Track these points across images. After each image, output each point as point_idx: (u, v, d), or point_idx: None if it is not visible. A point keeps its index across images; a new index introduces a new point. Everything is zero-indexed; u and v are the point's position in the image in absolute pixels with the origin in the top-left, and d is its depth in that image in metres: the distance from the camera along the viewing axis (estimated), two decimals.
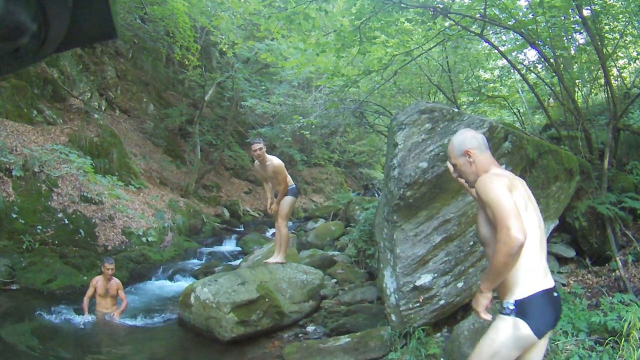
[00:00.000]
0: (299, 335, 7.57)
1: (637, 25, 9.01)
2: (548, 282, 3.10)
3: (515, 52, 10.82)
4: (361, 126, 19.93)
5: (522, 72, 10.06)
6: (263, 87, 19.69)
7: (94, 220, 11.95)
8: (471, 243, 5.90)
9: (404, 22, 9.13)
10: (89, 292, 8.51)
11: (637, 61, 10.98)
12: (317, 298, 8.57)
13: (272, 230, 17.12)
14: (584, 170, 7.51)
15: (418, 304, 5.94)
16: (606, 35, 8.89)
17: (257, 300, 7.37)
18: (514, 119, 14.11)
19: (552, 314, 3.07)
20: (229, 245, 15.79)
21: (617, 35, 9.07)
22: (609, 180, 7.53)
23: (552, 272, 6.70)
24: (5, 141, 11.08)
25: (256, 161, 8.61)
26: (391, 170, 5.91)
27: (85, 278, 9.54)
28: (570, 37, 9.92)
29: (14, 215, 10.42)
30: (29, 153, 11.20)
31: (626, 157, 8.27)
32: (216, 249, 15.03)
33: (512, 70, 11.73)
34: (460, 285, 5.94)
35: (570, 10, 8.23)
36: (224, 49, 18.11)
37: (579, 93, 10.49)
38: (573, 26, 9.02)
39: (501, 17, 8.55)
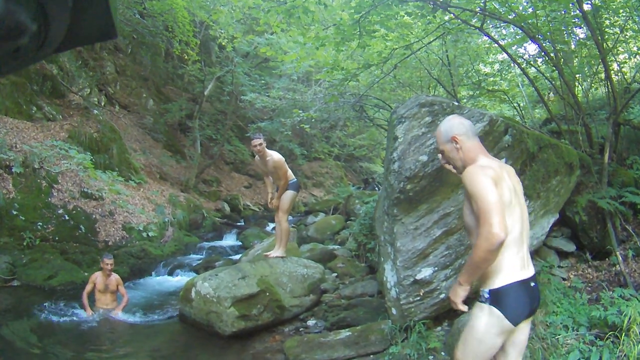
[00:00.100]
0: (300, 330, 7.57)
1: (637, 20, 8.99)
2: (525, 273, 3.20)
3: (515, 46, 10.80)
4: (361, 120, 19.95)
5: (522, 66, 10.05)
6: (263, 81, 19.69)
7: (94, 216, 11.95)
8: None
9: (403, 16, 9.12)
10: (88, 287, 8.50)
11: (637, 56, 10.95)
12: (318, 292, 8.57)
13: (272, 225, 17.14)
14: (584, 165, 7.51)
15: (418, 298, 5.94)
16: (606, 29, 8.87)
17: (257, 295, 7.36)
18: (514, 113, 14.10)
19: (527, 303, 3.17)
20: (230, 240, 15.82)
21: (617, 30, 9.06)
22: (609, 174, 7.53)
23: (552, 266, 6.76)
24: (5, 138, 11.08)
25: (257, 156, 8.61)
26: (391, 164, 5.90)
27: (86, 274, 9.54)
28: (570, 31, 9.91)
29: (15, 212, 10.43)
30: (29, 149, 11.19)
31: (626, 152, 8.27)
32: (216, 243, 15.04)
33: (512, 64, 11.71)
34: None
35: (570, 5, 8.21)
36: (223, 44, 18.12)
37: (579, 87, 10.48)
38: (573, 20, 9.00)
39: (501, 10, 8.53)
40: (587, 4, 8.03)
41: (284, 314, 7.69)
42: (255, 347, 6.97)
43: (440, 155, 3.61)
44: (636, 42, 10.60)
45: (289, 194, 8.57)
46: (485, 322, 3.13)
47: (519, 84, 13.24)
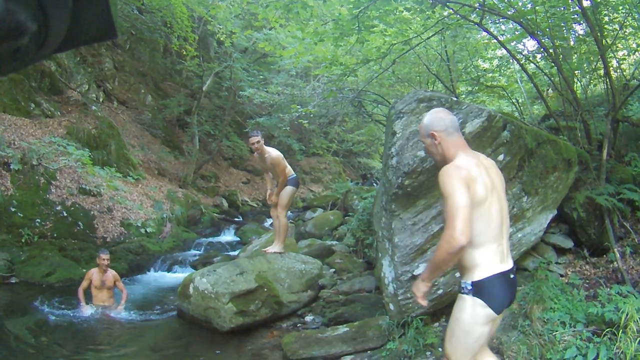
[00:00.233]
0: (298, 325, 7.59)
1: (637, 17, 8.98)
2: (505, 266, 3.29)
3: (515, 42, 10.79)
4: (359, 115, 19.93)
5: (521, 62, 10.04)
6: (261, 77, 19.70)
7: (92, 213, 11.95)
8: None
9: (402, 11, 9.10)
10: (84, 284, 8.51)
11: (636, 53, 10.96)
12: (316, 288, 8.58)
13: (270, 220, 17.16)
14: (582, 161, 7.51)
15: None
16: (606, 26, 8.86)
17: (255, 290, 7.37)
18: (512, 109, 14.11)
19: (508, 293, 3.30)
20: (228, 236, 15.84)
21: (616, 27, 9.05)
22: (608, 171, 7.52)
23: (549, 262, 6.77)
24: (3, 135, 11.07)
25: (255, 153, 8.60)
26: (389, 159, 5.90)
27: (84, 270, 9.51)
28: (569, 27, 9.89)
29: (13, 209, 10.43)
30: (27, 146, 11.19)
31: (625, 149, 8.26)
32: (215, 239, 15.07)
33: (511, 60, 11.72)
34: (458, 274, 5.94)
35: (570, 1, 8.21)
36: (222, 39, 18.08)
37: (578, 84, 10.47)
38: (573, 17, 8.98)
39: (500, 6, 8.53)
40: (587, 0, 8.02)
41: (282, 309, 7.70)
42: (253, 342, 6.99)
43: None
44: (635, 38, 10.59)
45: (288, 189, 8.57)
46: (470, 312, 3.23)
47: (518, 80, 13.24)
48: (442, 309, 6.28)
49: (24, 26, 0.69)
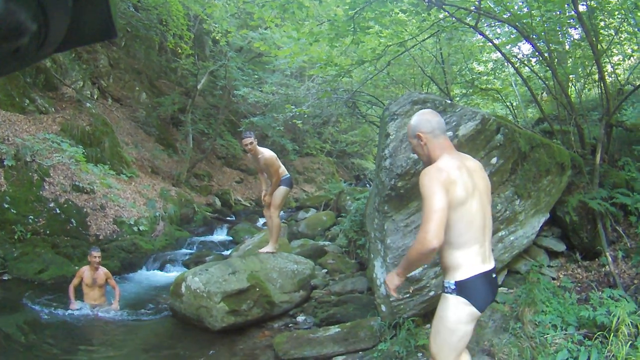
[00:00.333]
0: (289, 325, 7.59)
1: (632, 23, 9.01)
2: (486, 266, 3.39)
3: (510, 45, 10.82)
4: (353, 116, 19.96)
5: (516, 66, 10.06)
6: (256, 76, 19.67)
7: (85, 210, 11.92)
8: None
9: (398, 13, 9.11)
10: (75, 281, 8.47)
11: (631, 58, 10.99)
12: (308, 288, 8.58)
13: (263, 220, 17.17)
14: (575, 165, 7.53)
15: (408, 295, 5.96)
16: (601, 31, 8.88)
17: (247, 290, 7.37)
18: (506, 112, 14.15)
19: (490, 292, 3.41)
20: (220, 235, 15.85)
21: (612, 32, 9.08)
22: (601, 175, 7.54)
23: (541, 265, 6.79)
24: None
25: (249, 154, 8.62)
26: (383, 161, 5.91)
27: (76, 268, 9.47)
28: (565, 32, 9.91)
29: (6, 206, 10.40)
30: (21, 142, 11.16)
31: (618, 153, 8.29)
32: (207, 238, 15.07)
33: (505, 64, 11.74)
34: None
35: (565, 5, 8.22)
36: (217, 38, 18.07)
37: (573, 88, 10.50)
38: (568, 21, 9.02)
39: (496, 10, 8.54)
40: (583, 5, 8.03)
41: (274, 309, 7.69)
42: (244, 342, 6.99)
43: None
44: (631, 44, 10.62)
45: (281, 189, 8.57)
46: (454, 311, 3.32)
47: (512, 83, 13.28)
48: (433, 311, 6.27)
49: (24, 26, 0.69)
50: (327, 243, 12.37)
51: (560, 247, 7.52)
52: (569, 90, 9.77)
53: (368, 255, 7.81)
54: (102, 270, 8.64)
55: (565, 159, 7.11)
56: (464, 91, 14.49)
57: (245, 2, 13.01)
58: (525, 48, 13.16)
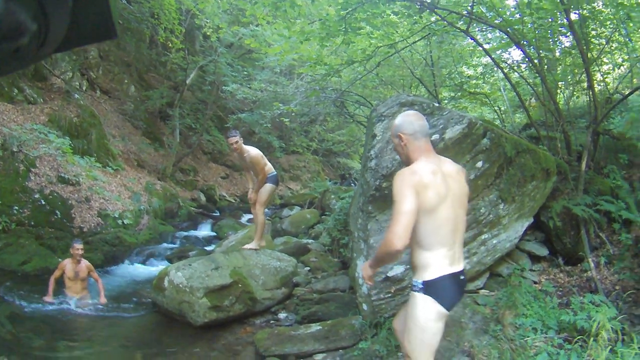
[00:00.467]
0: (271, 322, 7.60)
1: (624, 33, 9.07)
2: (454, 268, 3.49)
3: (500, 50, 10.85)
4: (341, 116, 20.03)
5: (505, 71, 10.11)
6: (245, 73, 19.65)
7: (70, 202, 11.85)
8: None
9: (390, 15, 9.13)
10: (56, 273, 8.40)
11: (621, 68, 11.05)
12: (290, 285, 8.60)
13: (247, 216, 17.18)
14: (561, 171, 7.58)
15: (389, 295, 5.99)
16: (592, 40, 8.91)
17: (230, 286, 7.37)
18: (494, 117, 14.20)
19: (457, 292, 3.53)
20: (204, 230, 15.83)
21: (603, 41, 9.10)
22: (586, 182, 7.58)
23: (523, 269, 6.82)
24: None
25: (235, 152, 8.64)
26: (368, 161, 5.94)
27: (60, 260, 9.38)
28: (556, 39, 9.95)
29: None
30: (8, 132, 11.07)
31: (604, 161, 8.33)
32: (191, 233, 15.02)
33: (495, 68, 11.78)
34: None
35: (557, 13, 8.26)
36: (208, 33, 18.02)
37: (561, 95, 10.55)
38: (560, 29, 9.05)
39: (488, 15, 8.58)
40: (575, 13, 8.07)
41: (256, 306, 7.70)
42: (226, 338, 6.99)
43: None
44: (621, 54, 10.67)
45: (267, 187, 8.60)
46: (422, 309, 3.43)
47: (501, 88, 13.32)
48: None
49: (24, 26, 0.70)
50: (310, 241, 12.39)
51: (543, 251, 7.55)
52: (558, 97, 9.82)
53: (351, 255, 7.83)
54: (85, 263, 8.59)
55: (551, 164, 7.16)
56: (452, 94, 14.54)
57: None
58: (516, 54, 13.26)
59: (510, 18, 8.41)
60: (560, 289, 6.75)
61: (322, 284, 8.69)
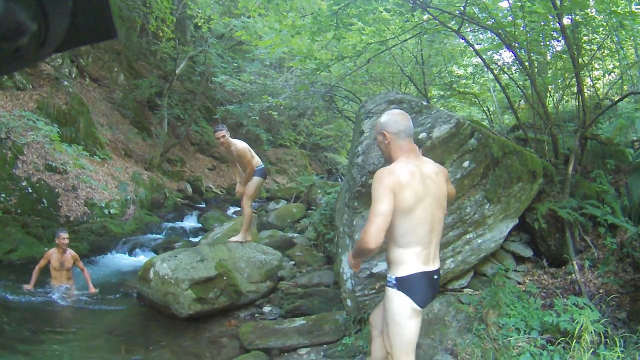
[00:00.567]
0: (255, 315, 7.61)
1: (616, 40, 9.12)
2: (428, 267, 3.56)
3: (491, 51, 10.86)
4: (330, 110, 20.03)
5: (496, 72, 10.14)
6: (235, 64, 19.61)
7: (57, 190, 11.81)
8: None
9: (382, 12, 9.12)
10: (41, 263, 8.39)
11: (612, 74, 11.11)
12: (275, 279, 8.60)
13: (233, 208, 17.18)
14: (547, 174, 7.61)
15: (374, 291, 6.01)
16: (584, 45, 8.95)
17: (215, 278, 7.37)
18: (483, 117, 14.25)
19: (429, 290, 3.60)
20: (190, 221, 15.83)
21: (594, 47, 9.15)
22: (572, 185, 7.62)
23: (508, 269, 6.86)
24: None
25: (222, 146, 8.63)
26: (355, 157, 5.96)
27: (46, 249, 9.39)
28: (547, 43, 9.98)
29: None
30: None
31: (591, 165, 8.37)
32: (177, 224, 15.02)
33: (485, 69, 11.80)
34: None
35: (550, 17, 8.29)
36: (199, 23, 18.00)
37: (550, 98, 10.57)
38: (552, 33, 9.07)
39: (480, 16, 8.59)
40: (568, 18, 8.10)
41: (240, 299, 7.70)
42: (211, 330, 7.00)
43: None
44: (612, 60, 10.73)
45: (254, 180, 8.61)
46: (396, 304, 3.52)
47: (491, 89, 13.34)
48: None
49: (24, 26, 0.70)
50: (296, 235, 12.44)
51: (528, 252, 7.59)
52: (547, 100, 9.86)
53: (336, 250, 7.85)
54: (70, 253, 8.57)
55: (538, 167, 7.19)
56: (441, 93, 14.58)
57: None
58: (506, 55, 13.24)
59: (503, 20, 8.43)
60: (544, 290, 6.80)
61: (306, 279, 8.71)
